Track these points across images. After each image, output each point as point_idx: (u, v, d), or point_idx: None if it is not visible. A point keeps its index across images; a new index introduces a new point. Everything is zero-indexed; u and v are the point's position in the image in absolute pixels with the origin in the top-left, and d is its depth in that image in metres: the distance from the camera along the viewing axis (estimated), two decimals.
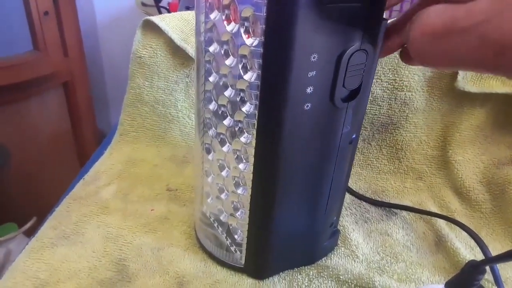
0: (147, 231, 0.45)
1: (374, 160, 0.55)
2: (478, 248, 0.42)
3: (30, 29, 1.08)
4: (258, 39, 0.28)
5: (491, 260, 0.24)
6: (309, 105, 0.30)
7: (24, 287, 0.37)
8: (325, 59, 0.29)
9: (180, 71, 0.58)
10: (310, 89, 0.30)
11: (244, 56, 0.30)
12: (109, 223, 0.45)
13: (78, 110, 1.27)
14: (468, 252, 0.42)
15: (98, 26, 1.34)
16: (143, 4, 1.11)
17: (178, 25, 0.56)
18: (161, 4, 1.07)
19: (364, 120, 0.54)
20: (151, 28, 0.57)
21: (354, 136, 0.35)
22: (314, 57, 0.28)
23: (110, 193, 0.50)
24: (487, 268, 0.38)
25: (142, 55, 0.57)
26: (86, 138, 1.31)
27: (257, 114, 0.31)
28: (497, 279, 0.38)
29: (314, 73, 0.29)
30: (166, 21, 0.56)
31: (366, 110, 0.54)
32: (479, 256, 0.42)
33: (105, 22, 1.33)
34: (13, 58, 1.04)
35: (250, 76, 0.30)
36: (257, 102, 0.30)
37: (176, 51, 0.57)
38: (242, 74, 0.30)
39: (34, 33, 1.08)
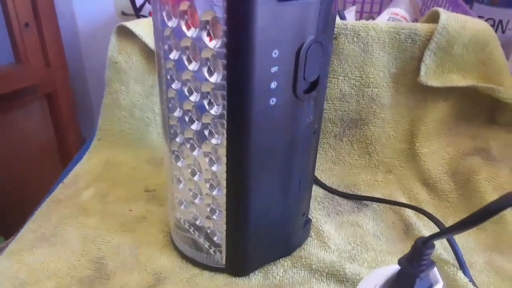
0: (125, 231, 0.46)
1: (346, 155, 0.57)
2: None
3: (11, 41, 1.08)
4: (220, 40, 0.30)
5: (436, 235, 0.25)
6: (274, 99, 0.32)
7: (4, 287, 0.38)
8: (286, 54, 0.31)
9: (155, 74, 0.59)
10: (274, 84, 0.31)
11: (207, 59, 0.31)
12: (88, 224, 0.46)
13: (62, 120, 1.27)
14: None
15: (80, 36, 1.34)
16: (124, 14, 1.12)
17: (152, 30, 0.58)
18: (141, 13, 1.09)
19: (334, 117, 0.56)
20: (126, 33, 0.58)
21: (316, 126, 0.37)
22: (275, 53, 0.30)
23: (89, 195, 0.51)
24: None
25: (118, 60, 0.58)
26: (71, 148, 1.31)
27: (226, 114, 0.32)
28: (458, 256, 0.40)
29: (276, 69, 0.31)
30: (140, 26, 0.57)
31: (336, 107, 0.56)
32: (445, 242, 0.44)
33: (86, 32, 1.33)
34: None
35: (216, 78, 0.31)
36: (225, 103, 0.32)
37: (151, 55, 0.59)
38: (208, 76, 0.31)
39: (15, 45, 1.08)
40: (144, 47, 0.58)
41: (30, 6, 1.10)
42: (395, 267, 0.28)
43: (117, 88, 0.59)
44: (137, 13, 1.10)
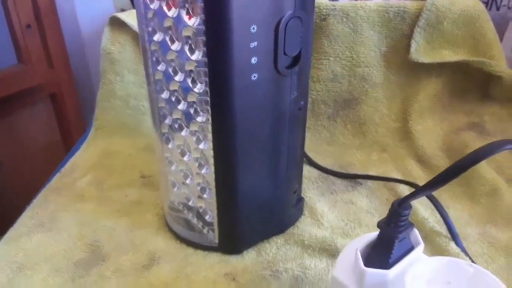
0: (121, 215, 0.46)
1: (340, 136, 0.57)
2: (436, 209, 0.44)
3: (14, 43, 1.09)
4: (199, 17, 0.30)
5: (412, 195, 0.25)
6: (255, 75, 0.32)
7: (3, 271, 0.39)
8: (264, 29, 0.31)
9: None
10: (255, 59, 0.32)
11: (188, 37, 0.31)
12: (85, 210, 0.47)
13: (67, 120, 1.28)
14: (428, 212, 0.44)
15: (82, 36, 1.35)
16: (123, 11, 1.13)
17: None
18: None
19: (327, 98, 0.56)
20: (119, 24, 0.59)
21: (302, 102, 0.37)
22: (253, 28, 0.31)
23: (86, 183, 0.52)
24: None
25: (111, 51, 0.59)
26: None
27: (208, 91, 0.33)
28: (450, 227, 0.40)
29: (256, 44, 0.31)
30: (132, 16, 0.58)
31: (328, 88, 0.56)
32: (438, 216, 0.44)
33: (89, 31, 1.34)
34: None
35: (198, 55, 0.32)
36: (207, 79, 0.32)
37: None
38: (189, 55, 0.32)
39: (18, 46, 1.10)
40: (136, 37, 0.59)
41: (31, 7, 1.11)
42: (377, 233, 0.28)
43: (111, 79, 0.60)
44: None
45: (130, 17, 0.58)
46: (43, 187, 0.52)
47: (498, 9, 0.69)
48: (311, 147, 0.55)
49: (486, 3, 0.64)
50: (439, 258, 0.27)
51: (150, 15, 0.33)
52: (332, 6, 0.52)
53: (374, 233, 0.29)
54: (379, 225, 0.27)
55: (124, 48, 0.59)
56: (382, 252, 0.27)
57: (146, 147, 0.59)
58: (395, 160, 0.54)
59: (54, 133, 1.26)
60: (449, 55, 0.51)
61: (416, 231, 0.28)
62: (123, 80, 0.60)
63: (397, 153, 0.55)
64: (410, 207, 0.26)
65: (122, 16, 0.57)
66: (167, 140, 0.39)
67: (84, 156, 0.57)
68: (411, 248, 0.27)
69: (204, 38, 0.30)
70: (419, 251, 0.28)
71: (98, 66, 1.36)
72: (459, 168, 0.22)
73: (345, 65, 0.54)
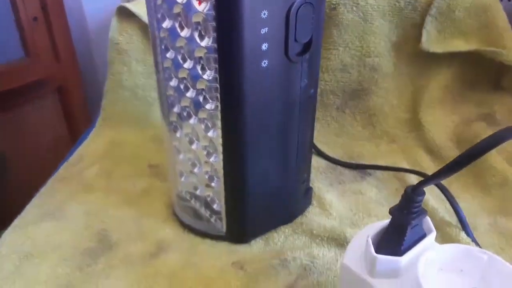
0: (129, 205, 0.46)
1: (349, 127, 0.57)
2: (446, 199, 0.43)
3: (20, 36, 1.09)
4: (209, 2, 0.30)
5: (426, 181, 0.25)
6: (266, 61, 0.32)
7: (10, 260, 0.39)
8: (275, 14, 0.31)
9: None
10: (265, 45, 0.31)
11: (198, 23, 0.31)
12: (92, 199, 0.47)
13: (73, 113, 1.29)
14: (439, 202, 0.44)
15: (88, 29, 1.35)
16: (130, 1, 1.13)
17: None
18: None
19: (336, 88, 0.56)
20: (126, 14, 0.59)
21: (312, 91, 0.37)
22: (264, 14, 0.30)
23: (93, 172, 0.52)
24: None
25: (119, 41, 0.59)
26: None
27: (218, 77, 0.32)
28: (460, 217, 0.40)
29: (266, 30, 0.31)
30: (139, 6, 0.57)
31: (337, 78, 0.55)
32: (448, 206, 0.43)
33: (95, 24, 1.34)
34: (4, 65, 1.05)
35: (207, 42, 0.31)
36: (217, 66, 0.32)
37: None
38: (199, 41, 0.32)
39: (25, 39, 1.10)
40: (144, 27, 0.59)
41: (38, 0, 1.11)
42: (388, 221, 0.28)
43: (119, 69, 0.60)
44: None
45: (138, 7, 0.57)
46: (50, 177, 0.52)
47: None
48: (319, 138, 0.55)
49: None
50: (452, 246, 0.26)
51: (159, 1, 0.33)
52: None
53: (385, 221, 0.29)
54: (391, 211, 0.26)
55: (131, 38, 0.59)
56: (394, 239, 0.26)
57: (153, 137, 0.59)
58: (405, 151, 0.53)
59: (60, 126, 1.27)
60: (460, 45, 0.51)
61: (428, 219, 0.27)
62: (130, 70, 0.60)
63: (407, 144, 0.54)
64: (423, 193, 0.25)
65: (130, 6, 0.57)
66: (175, 129, 0.39)
67: (91, 146, 0.57)
68: (423, 236, 0.27)
69: (214, 23, 0.30)
70: (431, 239, 0.27)
71: (104, 59, 1.36)
72: (474, 152, 0.22)
73: (354, 55, 0.54)
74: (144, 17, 0.57)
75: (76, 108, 1.28)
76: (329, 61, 0.54)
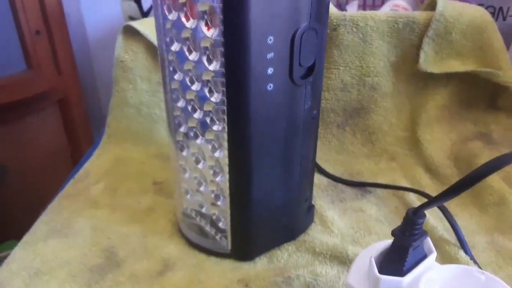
0: (134, 222, 0.47)
1: (349, 145, 0.58)
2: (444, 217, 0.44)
3: (23, 49, 1.11)
4: (218, 28, 0.31)
5: (427, 204, 0.26)
6: (271, 85, 0.33)
7: (20, 276, 0.40)
8: (281, 40, 0.32)
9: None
10: (271, 70, 0.33)
11: (206, 48, 0.32)
12: (98, 216, 0.48)
13: (74, 126, 1.30)
14: (437, 221, 0.45)
15: (89, 43, 1.36)
16: (132, 19, 1.14)
17: None
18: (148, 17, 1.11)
19: (336, 107, 0.57)
20: (132, 33, 0.60)
21: (315, 112, 0.38)
22: (270, 40, 0.32)
23: (99, 189, 0.53)
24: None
25: (125, 59, 0.60)
26: (83, 153, 1.33)
27: (225, 100, 0.33)
28: (459, 236, 0.41)
29: (272, 55, 0.32)
30: (145, 25, 0.59)
31: (338, 97, 0.57)
32: (446, 224, 0.44)
33: (96, 37, 1.36)
34: (7, 78, 1.06)
35: (215, 66, 0.33)
36: (224, 89, 0.33)
37: (156, 53, 0.60)
38: (207, 65, 0.33)
39: (27, 52, 1.11)
40: (149, 45, 0.60)
41: (40, 14, 1.12)
42: (390, 241, 0.29)
43: (124, 87, 0.61)
44: (144, 17, 1.12)
45: (143, 26, 0.59)
46: (57, 193, 0.53)
47: (504, 19, 0.70)
48: (320, 155, 0.56)
49: (492, 14, 0.65)
50: (451, 266, 0.27)
51: (168, 25, 0.34)
52: (343, 17, 0.53)
53: (387, 241, 0.30)
54: (393, 233, 0.28)
55: (137, 56, 0.60)
56: (396, 260, 0.27)
57: (158, 154, 0.60)
58: (404, 168, 0.54)
59: (61, 138, 1.28)
60: (457, 66, 0.52)
61: (429, 240, 0.28)
62: (135, 88, 0.61)
63: (406, 162, 0.55)
64: (424, 215, 0.27)
65: (136, 25, 0.58)
66: (182, 148, 0.40)
67: (97, 163, 0.58)
68: (424, 256, 0.28)
69: (222, 49, 0.31)
70: (432, 259, 0.28)
71: (104, 73, 1.37)
72: (476, 176, 0.23)
73: (354, 74, 0.55)
74: (150, 36, 0.58)
75: (76, 120, 1.29)
76: (330, 80, 0.56)
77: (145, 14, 1.13)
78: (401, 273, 0.27)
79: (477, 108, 0.56)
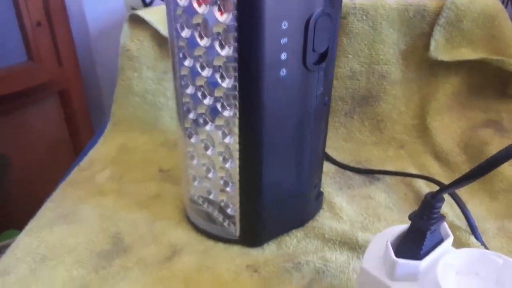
0: (141, 208, 0.47)
1: (357, 132, 0.57)
2: (456, 203, 0.44)
3: (24, 40, 1.10)
4: (231, 13, 0.30)
5: (445, 188, 0.26)
6: (284, 71, 0.33)
7: (26, 263, 0.39)
8: (295, 25, 0.32)
9: (167, 60, 0.61)
10: (284, 55, 0.32)
11: (218, 34, 0.32)
12: (105, 203, 0.47)
13: (75, 117, 1.29)
14: (448, 207, 0.44)
15: (90, 34, 1.35)
16: (133, 9, 1.13)
17: (162, 16, 0.59)
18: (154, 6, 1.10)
19: (345, 95, 0.56)
20: (138, 22, 0.59)
21: (326, 98, 0.38)
22: (284, 25, 0.31)
23: (105, 177, 0.52)
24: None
25: (130, 48, 0.60)
26: (84, 144, 1.32)
27: (237, 86, 0.33)
28: (470, 222, 0.40)
29: (286, 40, 0.32)
30: (151, 14, 0.58)
31: (347, 85, 0.56)
32: (457, 211, 0.44)
33: (97, 29, 1.35)
34: (8, 69, 1.06)
35: (228, 51, 0.32)
36: (236, 74, 0.32)
37: (162, 42, 0.60)
38: (219, 50, 0.32)
39: (28, 43, 1.10)
40: (155, 34, 0.60)
41: (41, 5, 1.11)
42: (405, 226, 0.29)
43: (129, 75, 0.61)
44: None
45: (149, 15, 0.58)
46: (61, 181, 0.52)
47: None
48: (328, 143, 0.55)
49: (502, 2, 0.64)
50: (468, 250, 0.27)
51: (179, 11, 0.34)
52: (353, 5, 0.52)
53: (401, 226, 0.29)
54: (411, 217, 0.27)
55: (142, 44, 0.59)
56: (414, 244, 0.27)
57: (163, 142, 0.59)
58: (412, 156, 0.54)
59: (62, 129, 1.27)
60: (468, 53, 0.52)
61: (445, 224, 0.28)
62: (141, 76, 0.60)
63: (415, 149, 0.55)
64: (443, 199, 0.26)
65: (142, 13, 0.58)
66: (190, 135, 0.40)
67: (102, 151, 0.58)
68: (441, 240, 0.28)
69: (235, 34, 0.31)
70: (449, 243, 0.28)
71: (105, 65, 1.37)
72: (491, 164, 0.23)
73: (364, 62, 0.55)
74: (156, 24, 0.58)
75: (77, 112, 1.28)
76: (339, 68, 0.55)
77: (147, 5, 1.12)
78: (418, 256, 0.26)
79: (488, 96, 0.55)
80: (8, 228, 1.02)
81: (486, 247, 0.39)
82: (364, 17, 0.53)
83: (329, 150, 0.56)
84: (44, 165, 1.18)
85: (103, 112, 1.41)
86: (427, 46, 0.53)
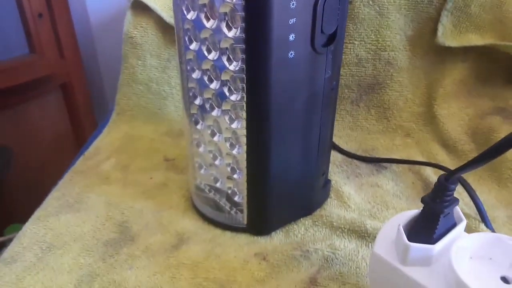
0: (147, 197, 0.47)
1: (364, 121, 0.57)
2: (465, 191, 0.44)
3: (25, 32, 1.09)
4: None
5: (459, 169, 0.25)
6: (292, 52, 0.32)
7: (32, 251, 0.39)
8: (303, 5, 0.31)
9: (171, 48, 0.60)
10: (292, 36, 0.32)
11: (225, 14, 0.31)
12: (111, 192, 0.47)
13: (77, 110, 1.29)
14: (456, 195, 0.44)
15: (92, 26, 1.35)
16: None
17: (166, 3, 0.58)
18: None
19: (351, 82, 0.56)
20: (141, 8, 0.59)
21: (334, 82, 0.37)
22: (293, 4, 0.30)
23: (110, 166, 0.52)
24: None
25: (134, 35, 0.59)
26: (86, 137, 1.32)
27: (245, 68, 0.32)
28: (480, 210, 0.40)
29: (294, 20, 0.31)
30: (155, 0, 0.58)
31: (352, 72, 0.56)
32: (466, 198, 0.43)
33: (98, 21, 1.34)
34: (9, 61, 1.05)
35: (235, 32, 0.31)
36: (244, 56, 0.32)
37: (166, 29, 0.59)
38: (226, 31, 0.32)
39: (30, 35, 1.10)
40: (159, 21, 0.59)
41: None
42: (417, 211, 0.28)
43: (133, 63, 0.60)
44: None
45: (153, 1, 0.57)
46: (67, 170, 0.52)
47: None
48: (334, 132, 0.55)
49: None
50: (482, 234, 0.27)
51: None
52: None
53: (413, 211, 0.29)
54: (423, 200, 0.27)
55: (146, 32, 0.59)
56: (427, 228, 0.27)
57: (168, 131, 0.59)
58: (420, 144, 0.54)
59: (64, 122, 1.27)
60: (476, 39, 0.51)
61: (458, 208, 0.28)
62: (145, 64, 0.60)
63: (422, 137, 0.54)
64: (456, 182, 0.26)
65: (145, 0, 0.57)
66: (196, 121, 0.39)
67: (107, 140, 0.57)
68: (454, 224, 0.27)
69: (243, 13, 0.30)
70: (462, 227, 0.28)
71: (107, 56, 1.36)
72: (505, 143, 0.22)
73: (370, 49, 0.54)
74: (159, 10, 0.57)
75: (79, 104, 1.28)
76: (344, 55, 0.55)
77: None
78: (432, 240, 0.26)
79: (495, 83, 0.54)
80: (12, 222, 1.03)
81: None
82: (371, 2, 0.52)
83: (335, 139, 0.55)
84: (47, 157, 1.18)
85: (106, 104, 1.40)
86: (434, 31, 0.52)
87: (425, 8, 0.52)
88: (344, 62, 0.55)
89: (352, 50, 0.55)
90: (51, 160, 1.19)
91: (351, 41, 0.54)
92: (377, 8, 0.52)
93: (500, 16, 0.51)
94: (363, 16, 0.53)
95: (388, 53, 0.54)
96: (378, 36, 0.53)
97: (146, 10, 0.59)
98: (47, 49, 1.13)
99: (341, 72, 0.55)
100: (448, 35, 0.52)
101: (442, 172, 0.47)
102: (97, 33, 1.34)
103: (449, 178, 0.26)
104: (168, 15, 0.57)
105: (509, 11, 0.51)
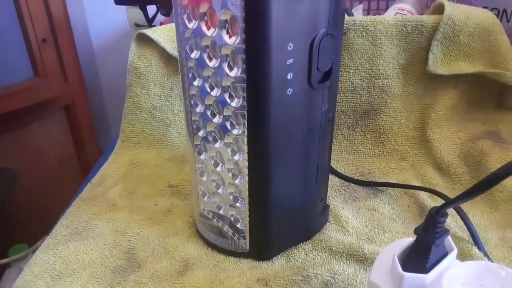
0: (153, 223, 0.48)
1: (360, 145, 0.59)
2: (458, 215, 0.45)
3: (30, 57, 1.12)
4: (239, 36, 0.32)
5: (449, 203, 0.27)
6: (290, 90, 0.34)
7: (43, 279, 0.41)
8: (300, 46, 0.33)
9: (174, 77, 0.62)
10: (290, 75, 0.34)
11: (227, 55, 0.33)
12: (117, 218, 0.49)
13: (80, 132, 1.31)
14: (450, 218, 0.46)
15: (94, 50, 1.38)
16: (137, 25, 1.15)
17: (169, 35, 0.61)
18: (153, 24, 1.12)
19: (347, 109, 0.58)
20: (145, 40, 0.61)
21: (331, 114, 0.39)
22: (290, 46, 0.33)
23: (116, 193, 0.54)
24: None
25: (138, 65, 0.61)
26: (89, 159, 1.35)
27: (246, 105, 0.35)
28: (472, 233, 0.42)
29: (292, 61, 0.33)
30: (158, 33, 0.60)
31: (348, 99, 0.58)
32: (459, 221, 0.45)
33: (101, 45, 1.37)
34: (15, 85, 1.08)
35: (236, 72, 0.34)
36: (245, 95, 0.34)
37: (169, 59, 0.62)
38: (228, 71, 0.34)
39: (34, 60, 1.12)
40: (162, 52, 0.61)
41: (47, 22, 1.14)
42: (411, 239, 0.30)
43: (137, 92, 0.62)
44: (150, 24, 1.13)
45: (156, 34, 0.60)
46: (75, 197, 0.54)
47: (508, 20, 0.71)
48: (331, 156, 0.57)
49: (496, 15, 0.66)
50: (472, 263, 0.28)
51: (188, 34, 0.36)
52: (352, 21, 0.54)
53: (407, 239, 0.31)
54: (416, 231, 0.28)
55: (150, 62, 0.61)
56: (419, 257, 0.28)
57: (172, 158, 0.61)
58: (414, 167, 0.56)
59: (67, 143, 1.29)
60: (465, 67, 0.53)
61: (449, 238, 0.29)
62: (149, 93, 0.62)
63: (416, 160, 0.56)
64: (446, 214, 0.28)
65: (149, 32, 0.60)
66: (200, 152, 0.41)
67: (112, 167, 0.59)
68: (445, 254, 0.29)
69: (243, 56, 0.32)
70: (453, 256, 0.29)
71: (109, 80, 1.38)
72: (492, 179, 0.24)
73: (364, 77, 0.56)
74: (163, 42, 0.60)
75: (82, 126, 1.30)
76: (340, 83, 0.57)
77: (150, 20, 1.14)
78: (424, 270, 0.28)
79: (486, 108, 0.57)
80: (16, 242, 1.04)
81: (488, 258, 0.40)
82: (364, 33, 0.55)
83: (333, 163, 0.57)
84: (51, 179, 1.20)
85: (108, 126, 1.43)
86: (425, 60, 0.55)
87: (416, 38, 0.54)
88: (340, 90, 0.57)
89: (347, 78, 0.57)
90: (54, 181, 1.20)
91: (346, 70, 0.56)
92: (370, 39, 0.55)
93: (488, 45, 0.53)
94: (357, 47, 0.55)
95: (382, 81, 0.56)
96: (372, 65, 0.56)
97: (149, 42, 0.61)
98: (51, 73, 1.16)
99: (337, 98, 0.57)
100: (438, 64, 0.54)
101: (436, 197, 0.49)
102: (100, 57, 1.37)
103: (440, 211, 0.27)
104: (171, 47, 0.60)
105: (496, 40, 0.53)
